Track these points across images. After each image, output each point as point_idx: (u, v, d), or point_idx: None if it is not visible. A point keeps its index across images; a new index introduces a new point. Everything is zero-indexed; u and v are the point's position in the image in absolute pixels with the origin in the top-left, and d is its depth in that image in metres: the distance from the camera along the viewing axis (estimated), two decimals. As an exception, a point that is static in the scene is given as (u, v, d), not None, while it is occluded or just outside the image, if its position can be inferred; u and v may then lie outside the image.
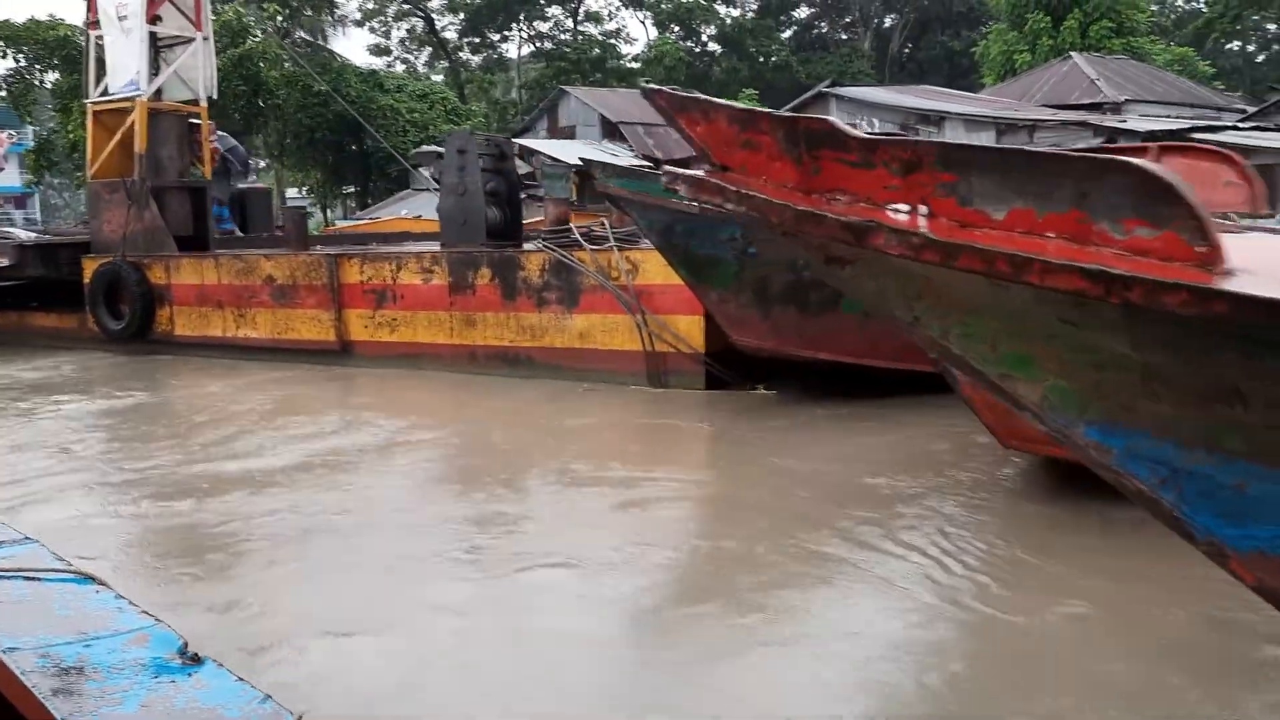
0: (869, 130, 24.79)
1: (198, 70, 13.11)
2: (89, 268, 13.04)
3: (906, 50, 64.61)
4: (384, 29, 57.97)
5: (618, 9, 61.39)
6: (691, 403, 8.89)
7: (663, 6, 57.23)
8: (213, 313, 12.20)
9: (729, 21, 59.78)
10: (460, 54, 60.17)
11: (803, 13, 69.81)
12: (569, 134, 36.60)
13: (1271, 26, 62.51)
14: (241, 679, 1.63)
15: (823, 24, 71.47)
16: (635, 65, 57.09)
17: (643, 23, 61.36)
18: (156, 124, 12.89)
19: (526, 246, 10.84)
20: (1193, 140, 21.69)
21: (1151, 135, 21.31)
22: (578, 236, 9.83)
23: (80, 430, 8.50)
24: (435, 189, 21.43)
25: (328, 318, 11.31)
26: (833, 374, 8.70)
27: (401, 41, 59.23)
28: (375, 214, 28.79)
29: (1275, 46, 67.62)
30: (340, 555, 5.10)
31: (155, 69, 12.95)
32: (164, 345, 12.64)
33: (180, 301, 12.48)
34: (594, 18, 58.70)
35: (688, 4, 56.18)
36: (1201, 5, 69.87)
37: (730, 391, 9.10)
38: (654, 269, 9.34)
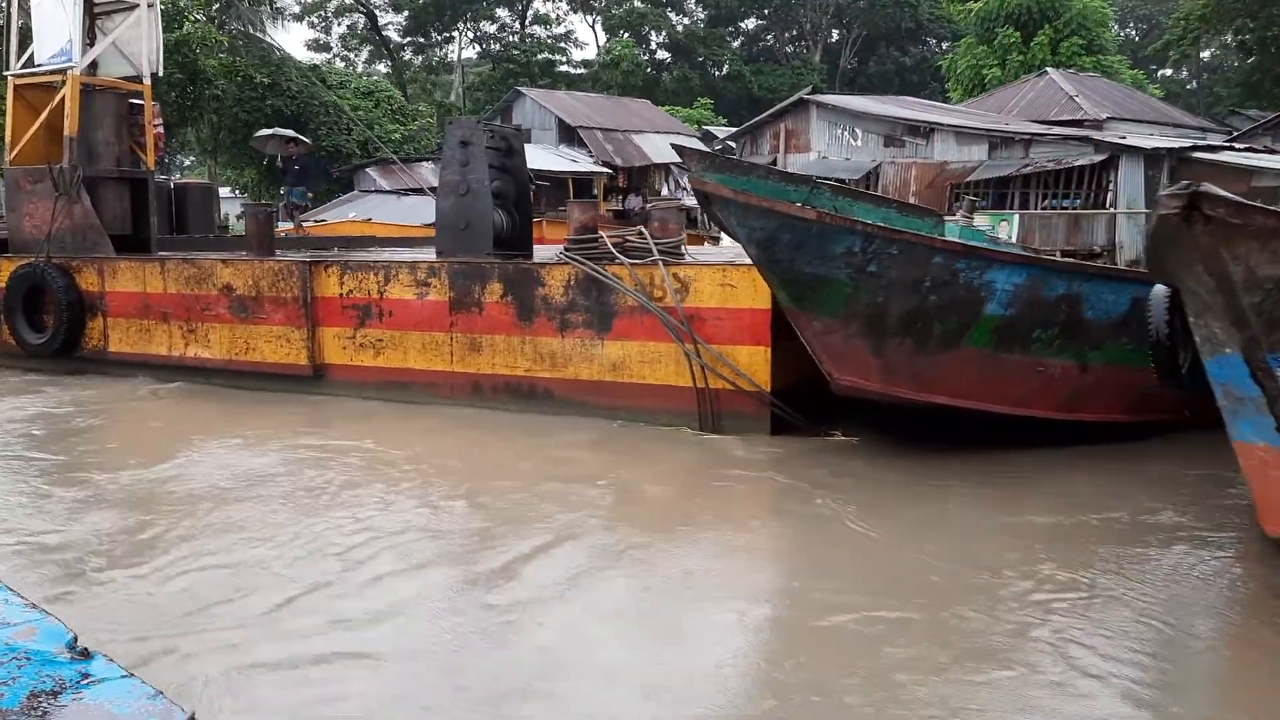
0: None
1: (140, 42, 11.17)
2: (5, 270, 11.03)
3: (853, 65, 64.18)
4: (323, 24, 55.68)
5: (567, 13, 59.99)
6: (755, 452, 7.34)
7: (614, 11, 55.80)
8: (156, 327, 10.31)
9: (680, 29, 58.62)
10: (402, 53, 58.10)
11: (751, 24, 69.25)
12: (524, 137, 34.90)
13: (1205, 55, 63.62)
14: (132, 674, 1.56)
15: (769, 36, 70.99)
16: (585, 70, 55.62)
17: (592, 27, 59.92)
18: (90, 102, 10.93)
19: (539, 257, 9.23)
20: (1197, 158, 20.86)
21: (1156, 152, 20.41)
22: (610, 248, 8.24)
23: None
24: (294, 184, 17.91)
25: (298, 336, 9.53)
26: (916, 416, 7.29)
27: (342, 38, 56.97)
28: (321, 216, 26.77)
29: (1205, 75, 69.20)
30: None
31: (90, 39, 11.02)
32: (94, 364, 10.70)
33: (116, 313, 10.56)
34: (542, 20, 57.10)
35: (640, 10, 54.82)
36: (1133, 32, 71.32)
37: (800, 437, 7.59)
38: (708, 289, 7.80)
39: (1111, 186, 20.34)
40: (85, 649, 1.63)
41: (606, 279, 8.09)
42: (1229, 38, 44.94)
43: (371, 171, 35.06)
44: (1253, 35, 37.81)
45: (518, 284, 8.57)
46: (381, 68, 56.46)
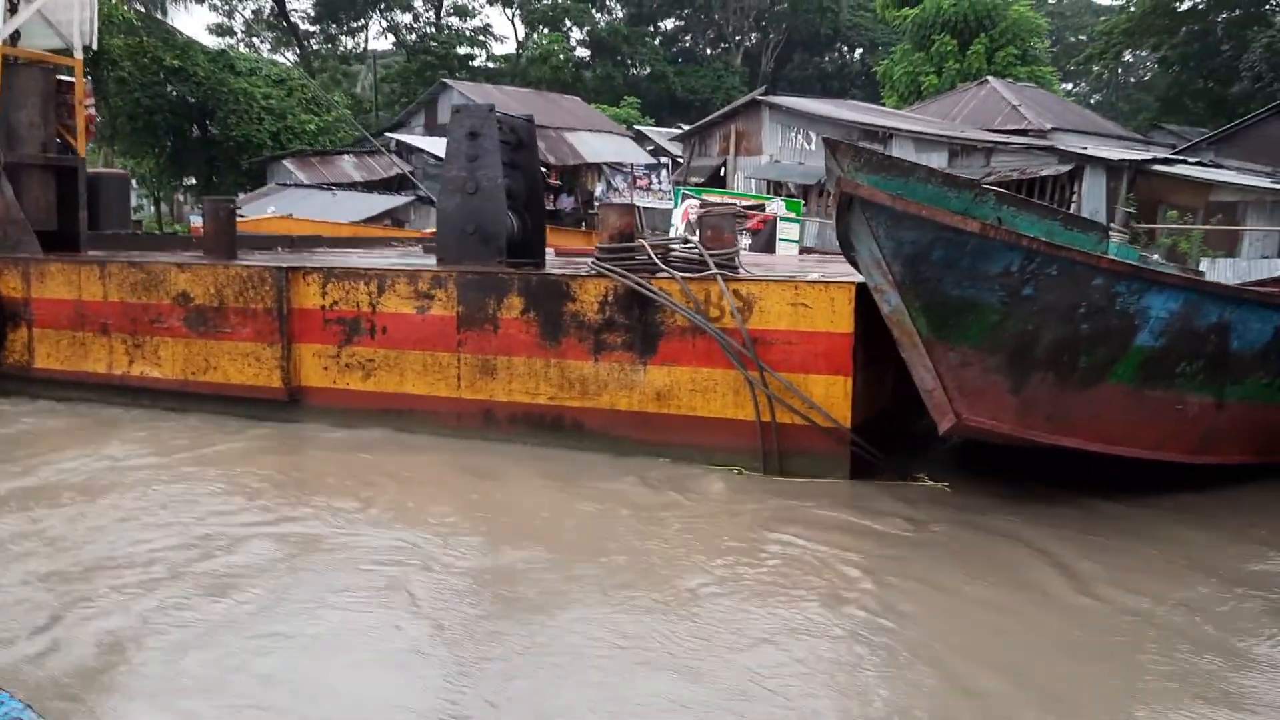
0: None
1: (71, 10, 9.65)
2: (-95, 271, 9.38)
3: (770, 68, 64.10)
4: (227, 8, 53.06)
5: (483, 5, 58.41)
6: (836, 500, 6.32)
7: (535, 5, 54.42)
8: (94, 340, 8.82)
9: (602, 26, 57.56)
10: (310, 42, 55.79)
11: (669, 25, 68.67)
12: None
13: (1104, 73, 65.69)
14: (29, 706, 1.50)
15: (687, 37, 70.54)
16: (505, 65, 54.14)
17: (511, 21, 58.47)
18: (13, 78, 9.34)
19: (555, 268, 8.10)
20: (1156, 171, 20.69)
21: (1120, 164, 20.17)
22: (654, 257, 7.16)
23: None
24: None
25: (270, 355, 8.19)
26: (997, 456, 6.48)
27: (246, 23, 54.39)
28: (239, 212, 24.98)
29: (1106, 90, 71.68)
30: None
31: (12, 5, 9.45)
32: (15, 382, 9.13)
33: (44, 323, 9.02)
34: (460, 11, 55.39)
35: (563, 4, 53.59)
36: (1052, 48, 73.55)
37: (883, 482, 6.61)
38: (775, 309, 6.78)
39: (1075, 198, 20.00)
40: None
41: (655, 295, 6.99)
42: (1146, 52, 45.90)
43: (288, 164, 33.16)
44: (1174, 50, 38.54)
45: (542, 298, 7.42)
46: (289, 56, 54.04)
